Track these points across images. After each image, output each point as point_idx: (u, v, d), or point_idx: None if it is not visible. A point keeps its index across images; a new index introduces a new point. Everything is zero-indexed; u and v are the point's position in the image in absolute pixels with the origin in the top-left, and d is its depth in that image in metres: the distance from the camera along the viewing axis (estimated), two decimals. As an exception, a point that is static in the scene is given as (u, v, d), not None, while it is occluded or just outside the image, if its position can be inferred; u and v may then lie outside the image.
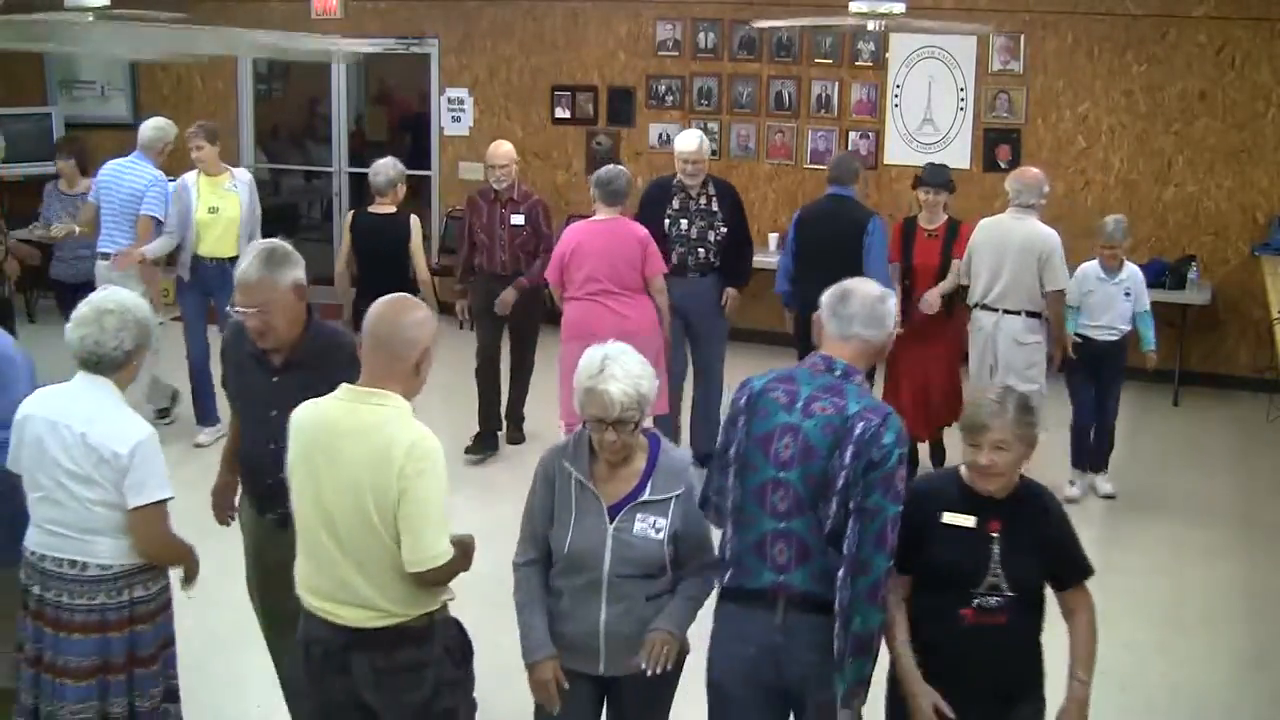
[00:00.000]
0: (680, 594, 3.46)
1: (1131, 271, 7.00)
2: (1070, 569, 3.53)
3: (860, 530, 3.18)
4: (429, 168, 11.02)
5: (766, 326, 9.92)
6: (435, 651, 3.34)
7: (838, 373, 3.34)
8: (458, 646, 3.46)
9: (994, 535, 3.37)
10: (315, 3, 10.41)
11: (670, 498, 3.42)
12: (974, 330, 6.94)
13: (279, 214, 12.82)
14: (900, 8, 6.66)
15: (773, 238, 9.67)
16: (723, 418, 3.60)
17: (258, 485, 3.96)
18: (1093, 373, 7.05)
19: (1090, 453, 7.18)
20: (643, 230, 6.82)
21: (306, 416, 3.33)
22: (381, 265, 7.11)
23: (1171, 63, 8.91)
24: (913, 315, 6.83)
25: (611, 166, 7.07)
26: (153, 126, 7.91)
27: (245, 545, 4.14)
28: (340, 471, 3.21)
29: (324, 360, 3.72)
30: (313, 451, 3.27)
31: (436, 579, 3.26)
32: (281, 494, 3.47)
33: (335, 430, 3.24)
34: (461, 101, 10.64)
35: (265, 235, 12.05)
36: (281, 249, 3.80)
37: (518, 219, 7.44)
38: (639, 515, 3.39)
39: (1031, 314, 6.78)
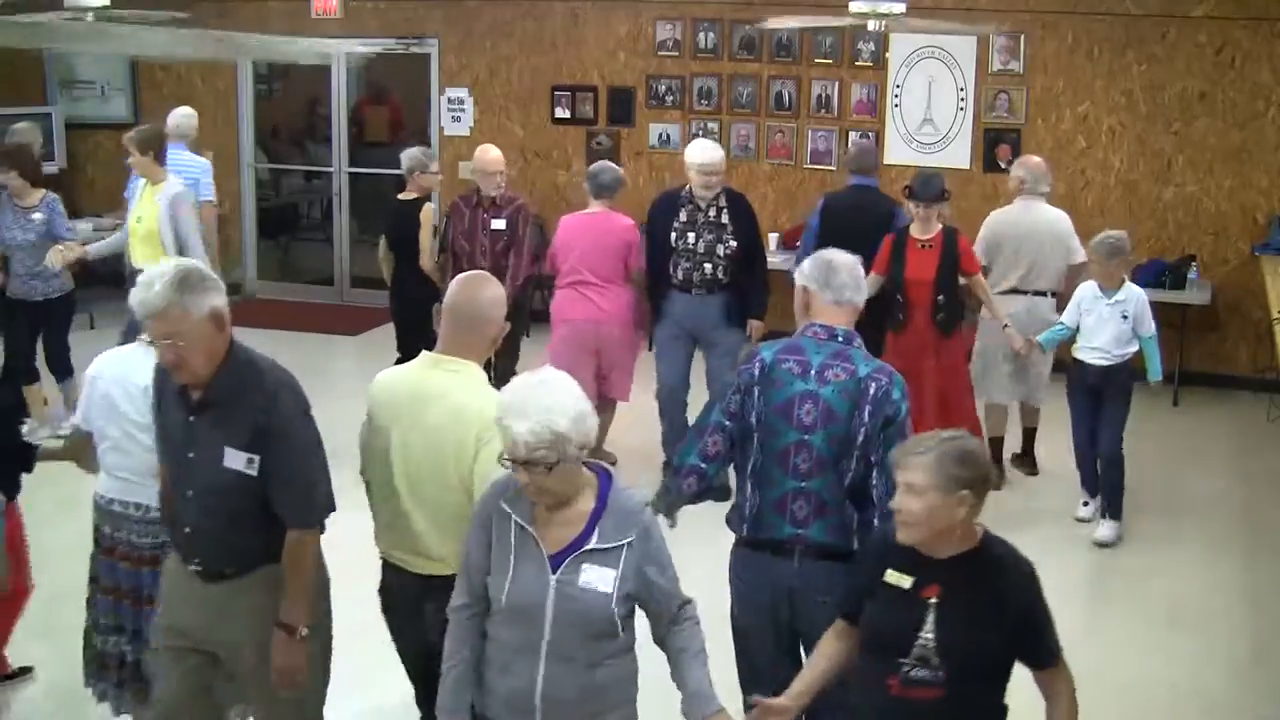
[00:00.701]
0: (688, 655, 3.10)
1: (1131, 293, 6.51)
2: (1034, 651, 3.11)
3: (886, 480, 3.39)
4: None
5: (766, 326, 9.93)
6: None
7: (840, 339, 3.64)
8: None
9: (929, 600, 2.98)
10: (315, 3, 10.41)
11: (621, 545, 3.00)
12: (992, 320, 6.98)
13: (279, 214, 12.86)
14: (900, 8, 6.68)
15: (773, 237, 9.66)
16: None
17: (175, 533, 3.59)
18: (1092, 399, 6.63)
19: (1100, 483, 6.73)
20: (628, 223, 6.94)
21: (388, 384, 3.57)
22: (403, 251, 7.42)
23: (1171, 63, 8.91)
24: (909, 331, 6.62)
25: (602, 161, 7.10)
26: (183, 114, 8.14)
27: (162, 591, 3.74)
28: (426, 433, 3.43)
29: (238, 400, 3.37)
30: (398, 415, 3.48)
31: None
32: (198, 544, 3.47)
33: (420, 395, 3.47)
34: (461, 101, 10.64)
35: (266, 237, 12.21)
36: (196, 273, 3.36)
37: (498, 223, 7.22)
38: (585, 565, 2.99)
39: (1055, 293, 7.08)
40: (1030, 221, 7.11)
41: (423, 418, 3.44)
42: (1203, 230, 9.03)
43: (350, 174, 11.44)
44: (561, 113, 10.41)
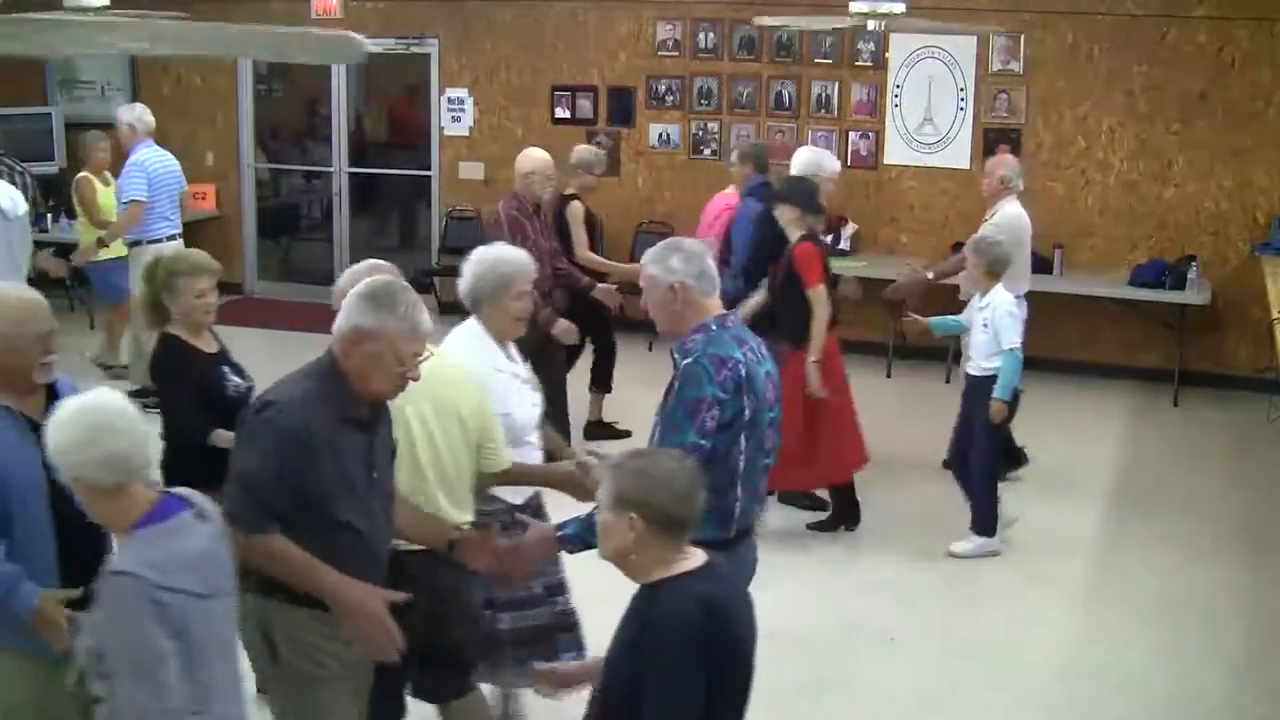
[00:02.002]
0: None
1: (995, 300, 6.04)
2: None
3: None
4: (429, 168, 11.02)
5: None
6: None
7: (737, 321, 3.74)
8: None
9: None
10: (315, 3, 10.42)
11: None
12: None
13: (279, 214, 12.86)
14: (900, 8, 6.69)
15: (773, 238, 9.67)
16: None
17: (367, 563, 3.42)
18: (965, 408, 6.30)
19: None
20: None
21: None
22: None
23: (1171, 63, 8.90)
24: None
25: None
26: (144, 109, 8.33)
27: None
28: (446, 407, 3.70)
29: (385, 412, 3.46)
30: (421, 404, 3.61)
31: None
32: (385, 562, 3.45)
33: (430, 380, 3.50)
34: (461, 101, 10.64)
35: (266, 237, 12.21)
36: None
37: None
38: None
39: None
40: (1025, 222, 7.07)
41: (438, 396, 3.67)
42: (1203, 230, 9.03)
43: (350, 174, 11.45)
44: (561, 113, 10.41)
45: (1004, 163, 7.26)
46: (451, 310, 8.37)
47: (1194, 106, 8.90)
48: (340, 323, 3.25)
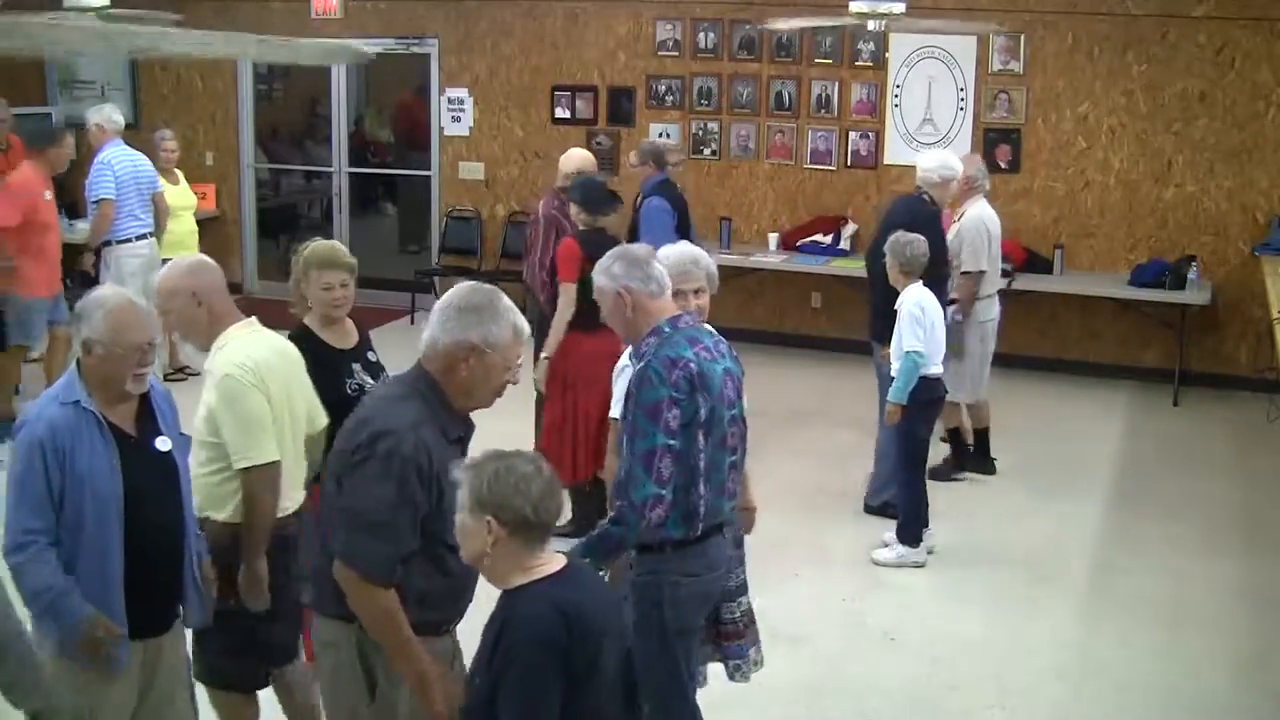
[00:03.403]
0: None
1: (904, 299, 5.92)
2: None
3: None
4: (429, 168, 11.03)
5: (765, 327, 9.95)
6: None
7: (692, 320, 3.75)
8: None
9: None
10: (315, 3, 10.42)
11: None
12: (979, 323, 6.98)
13: (279, 214, 12.87)
14: (900, 8, 6.68)
15: (773, 237, 9.68)
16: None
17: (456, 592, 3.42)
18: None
19: None
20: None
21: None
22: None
23: (1171, 63, 8.90)
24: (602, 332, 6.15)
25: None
26: (113, 108, 8.45)
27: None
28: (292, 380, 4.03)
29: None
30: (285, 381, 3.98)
31: None
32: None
33: (274, 353, 4.00)
34: (461, 101, 10.64)
35: (266, 237, 12.22)
36: None
37: None
38: None
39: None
40: (996, 221, 7.13)
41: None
42: (1203, 230, 9.03)
43: (350, 174, 11.46)
44: (561, 113, 10.41)
45: (970, 163, 7.23)
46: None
47: (1194, 106, 8.90)
48: (440, 338, 3.13)
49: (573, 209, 6.22)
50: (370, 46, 10.95)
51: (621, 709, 2.83)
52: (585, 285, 5.74)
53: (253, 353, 3.84)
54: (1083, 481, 7.23)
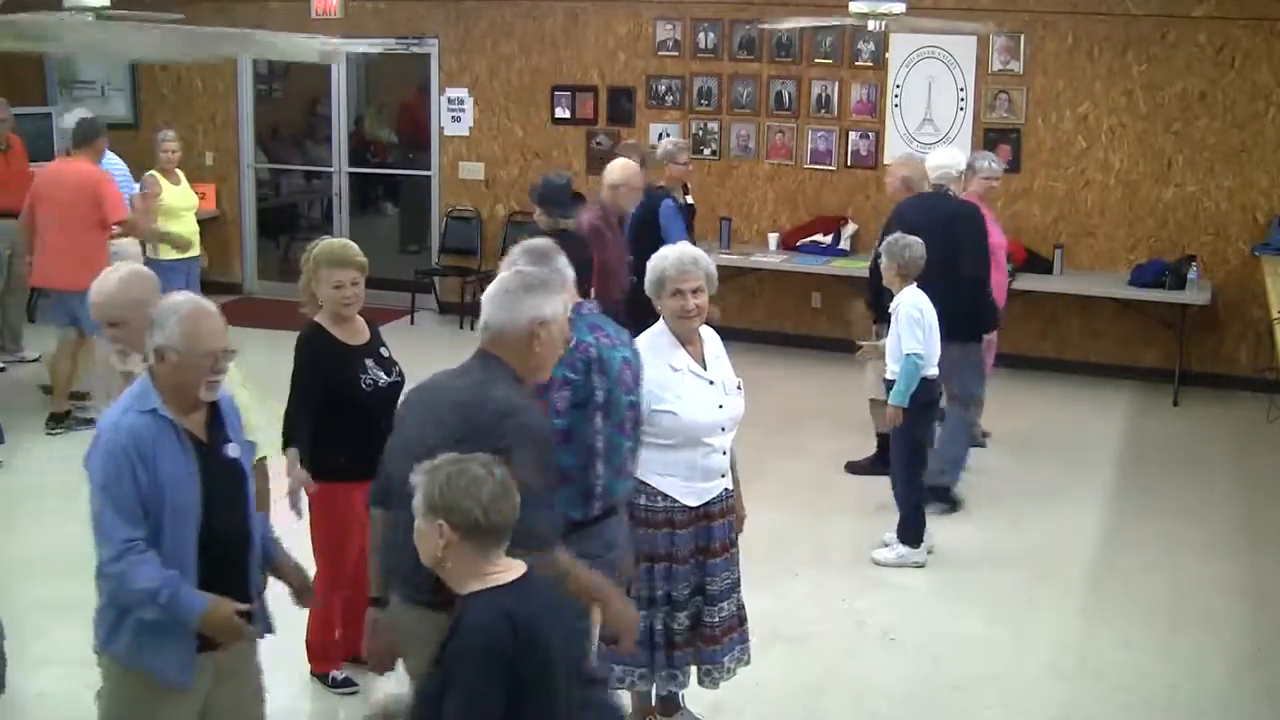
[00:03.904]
0: None
1: (901, 301, 5.89)
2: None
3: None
4: (429, 168, 11.03)
5: (765, 326, 9.95)
6: None
7: (593, 309, 3.92)
8: None
9: None
10: (315, 3, 10.43)
11: None
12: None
13: (279, 214, 12.87)
14: (900, 8, 6.68)
15: (773, 237, 9.68)
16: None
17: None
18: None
19: None
20: None
21: None
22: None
23: (1171, 63, 8.90)
24: None
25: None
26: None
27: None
28: None
29: None
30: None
31: None
32: None
33: None
34: (461, 101, 10.64)
35: (266, 237, 12.24)
36: None
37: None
38: None
39: None
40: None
41: None
42: (1203, 230, 9.03)
43: (350, 174, 11.46)
44: (561, 113, 10.41)
45: (906, 163, 7.25)
46: (451, 310, 8.37)
47: (1194, 106, 8.90)
48: (511, 320, 3.26)
49: (535, 210, 6.25)
50: (370, 46, 11.02)
51: (575, 718, 2.83)
52: None
53: None
54: (1083, 481, 7.22)
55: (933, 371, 5.98)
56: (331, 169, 11.48)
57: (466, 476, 2.66)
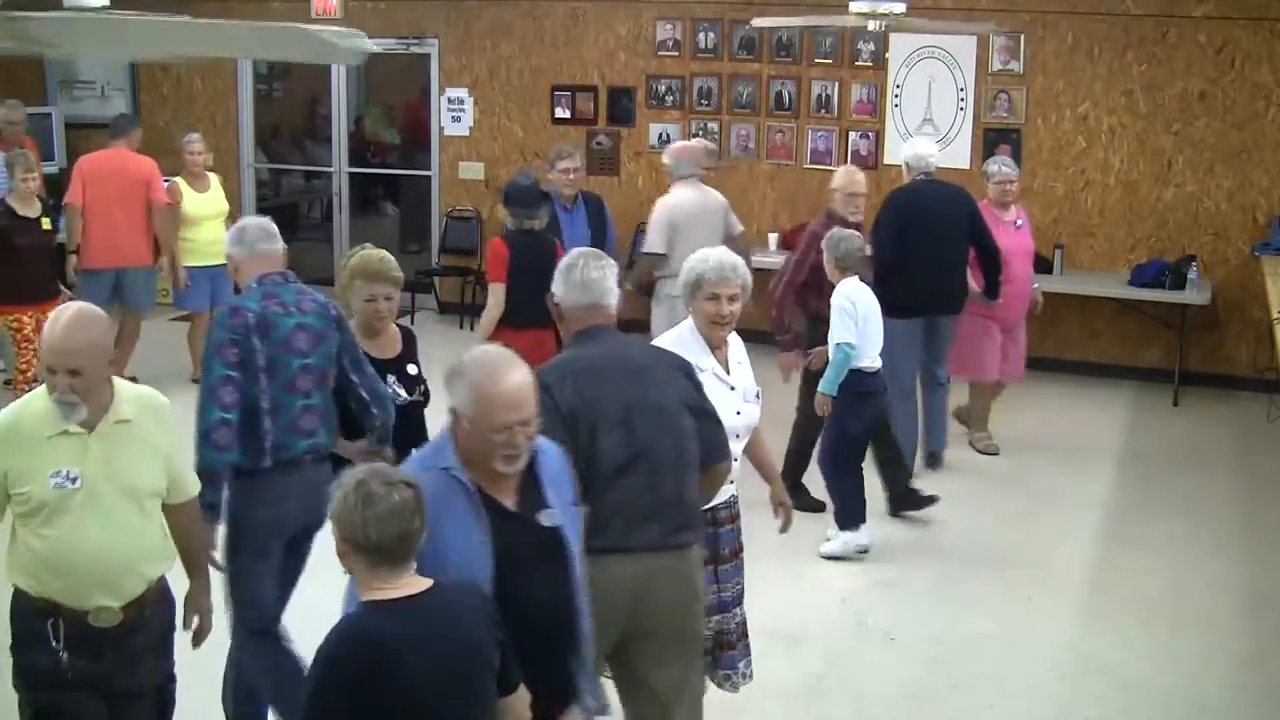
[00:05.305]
0: None
1: (839, 289, 6.01)
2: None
3: (368, 378, 4.30)
4: (429, 168, 11.03)
5: (765, 327, 9.93)
6: None
7: (290, 279, 4.25)
8: None
9: None
10: (315, 3, 10.42)
11: None
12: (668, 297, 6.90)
13: (279, 214, 12.84)
14: (900, 8, 6.68)
15: (773, 237, 9.67)
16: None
17: None
18: None
19: None
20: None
21: None
22: None
23: (1171, 63, 8.90)
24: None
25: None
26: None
27: None
28: None
29: None
30: None
31: None
32: None
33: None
34: (461, 101, 10.64)
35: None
36: None
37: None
38: None
39: None
40: (704, 202, 7.18)
41: None
42: (1203, 230, 9.03)
43: (350, 174, 11.46)
44: (561, 113, 10.41)
45: (670, 152, 7.42)
46: (451, 310, 8.37)
47: (1194, 106, 8.90)
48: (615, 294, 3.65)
49: (501, 210, 6.41)
50: (370, 46, 10.96)
51: None
52: (518, 283, 6.13)
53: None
54: (1083, 481, 7.22)
55: (869, 364, 6.00)
56: (331, 169, 11.49)
57: (363, 492, 2.67)
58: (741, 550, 4.25)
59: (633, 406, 3.46)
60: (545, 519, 3.00)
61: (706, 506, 4.03)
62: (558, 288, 3.64)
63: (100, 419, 3.33)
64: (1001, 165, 7.53)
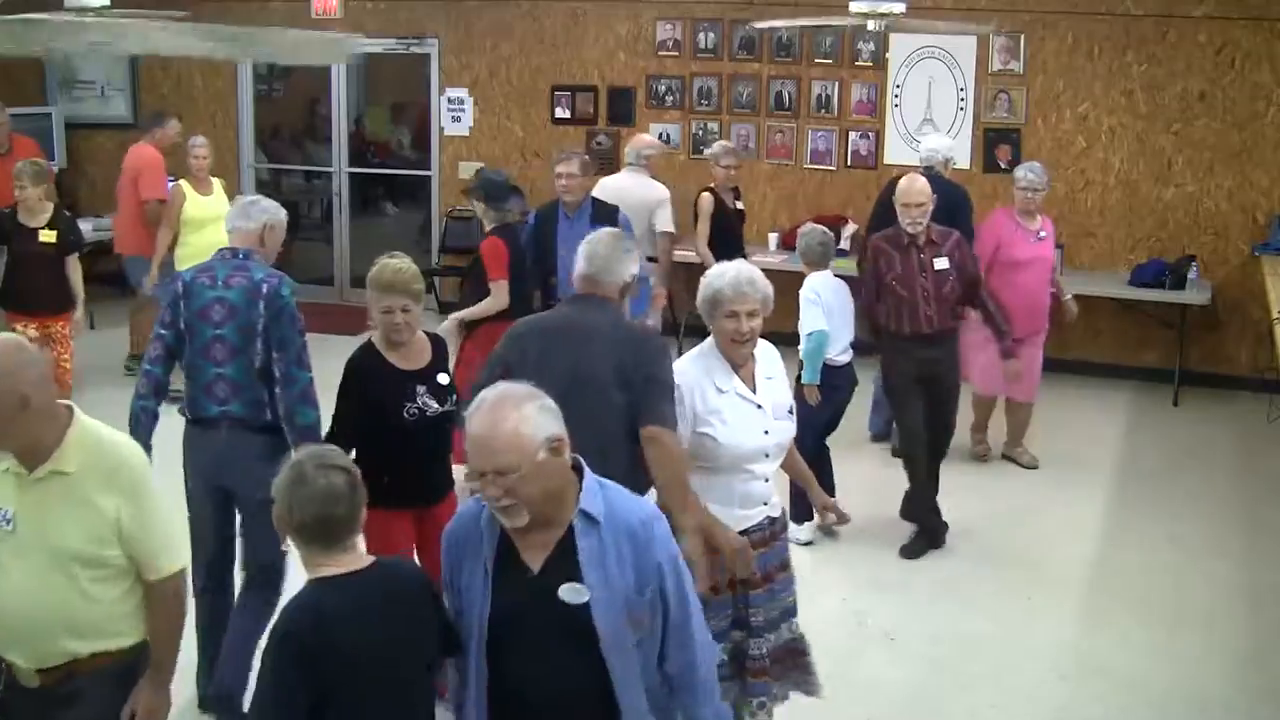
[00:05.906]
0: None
1: (806, 282, 6.17)
2: None
3: (286, 358, 4.43)
4: (429, 168, 11.03)
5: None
6: None
7: (241, 256, 4.59)
8: None
9: None
10: (315, 3, 10.41)
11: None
12: None
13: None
14: (900, 8, 6.68)
15: (773, 237, 9.67)
16: None
17: None
18: None
19: None
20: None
21: None
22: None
23: (1171, 63, 8.90)
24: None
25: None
26: None
27: None
28: None
29: None
30: None
31: None
32: None
33: None
34: (461, 101, 10.64)
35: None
36: None
37: (941, 263, 6.12)
38: None
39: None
40: (632, 189, 7.54)
41: None
42: (1203, 230, 9.03)
43: (350, 174, 11.46)
44: (561, 113, 10.41)
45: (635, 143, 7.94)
46: (451, 310, 8.33)
47: (1194, 106, 8.90)
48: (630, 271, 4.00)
49: (478, 207, 6.61)
50: (370, 46, 11.00)
51: None
52: (514, 277, 6.32)
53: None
54: (1083, 481, 7.23)
55: (836, 357, 6.08)
56: (331, 169, 11.49)
57: (294, 471, 2.79)
58: (773, 578, 4.04)
59: (573, 379, 3.60)
60: (566, 593, 2.62)
61: (740, 529, 3.85)
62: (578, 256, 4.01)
63: (43, 462, 2.98)
64: (1028, 172, 7.25)
